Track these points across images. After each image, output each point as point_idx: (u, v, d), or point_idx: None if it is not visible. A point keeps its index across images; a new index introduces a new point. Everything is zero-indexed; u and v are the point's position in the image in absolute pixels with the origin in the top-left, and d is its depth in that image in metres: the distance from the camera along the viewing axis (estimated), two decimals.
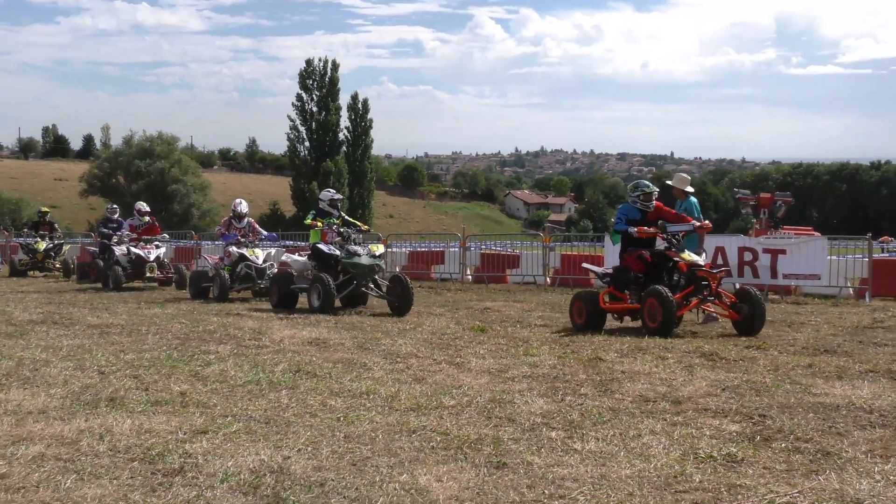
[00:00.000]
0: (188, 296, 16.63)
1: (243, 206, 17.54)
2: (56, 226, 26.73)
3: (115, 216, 22.63)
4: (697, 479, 4.73)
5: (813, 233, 21.13)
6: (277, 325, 11.17)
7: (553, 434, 5.69)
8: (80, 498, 4.33)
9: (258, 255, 16.38)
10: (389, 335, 10.36)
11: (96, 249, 22.42)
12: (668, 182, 13.32)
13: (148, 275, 19.04)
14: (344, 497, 4.42)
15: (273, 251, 17.90)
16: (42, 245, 24.71)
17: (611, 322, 11.64)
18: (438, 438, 5.55)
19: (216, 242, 29.67)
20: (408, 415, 6.22)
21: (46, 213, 27.17)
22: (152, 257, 19.14)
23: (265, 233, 17.87)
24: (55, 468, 4.81)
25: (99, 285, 19.34)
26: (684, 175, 13.63)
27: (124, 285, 18.52)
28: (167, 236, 21.95)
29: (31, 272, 24.60)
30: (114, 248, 19.79)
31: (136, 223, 20.31)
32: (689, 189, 12.90)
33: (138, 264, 19.03)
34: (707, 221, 12.07)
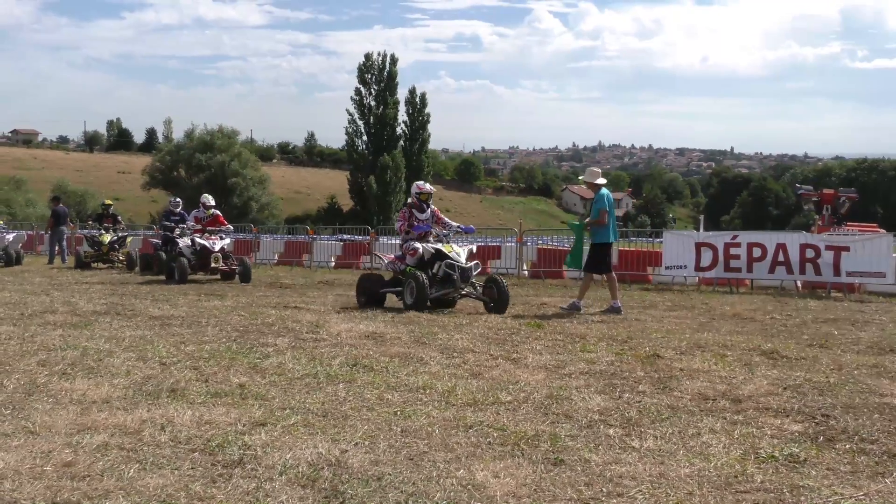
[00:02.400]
0: (250, 288, 16.91)
1: (427, 187, 14.04)
2: (119, 218, 26.80)
3: (178, 209, 22.68)
4: (759, 480, 4.65)
5: (878, 230, 20.64)
6: (335, 319, 11.24)
7: (611, 431, 5.65)
8: (142, 487, 4.40)
9: (459, 252, 13.18)
10: (446, 330, 10.36)
11: (158, 241, 22.46)
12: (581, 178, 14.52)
13: (213, 265, 18.74)
14: (401, 491, 4.43)
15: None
16: (107, 237, 24.83)
17: (660, 318, 11.53)
18: (495, 434, 5.54)
19: (275, 236, 29.98)
20: (464, 410, 6.22)
21: (110, 205, 27.08)
22: (217, 248, 18.87)
23: (456, 224, 13.89)
24: (118, 457, 4.89)
25: (162, 277, 19.31)
26: (595, 169, 14.08)
27: (188, 277, 18.38)
28: (232, 228, 21.44)
29: (96, 264, 24.60)
30: (177, 240, 19.68)
31: (202, 215, 20.00)
32: (601, 181, 13.49)
33: (203, 255, 18.78)
34: (599, 218, 13.19)
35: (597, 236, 13.36)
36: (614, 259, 20.17)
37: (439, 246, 13.19)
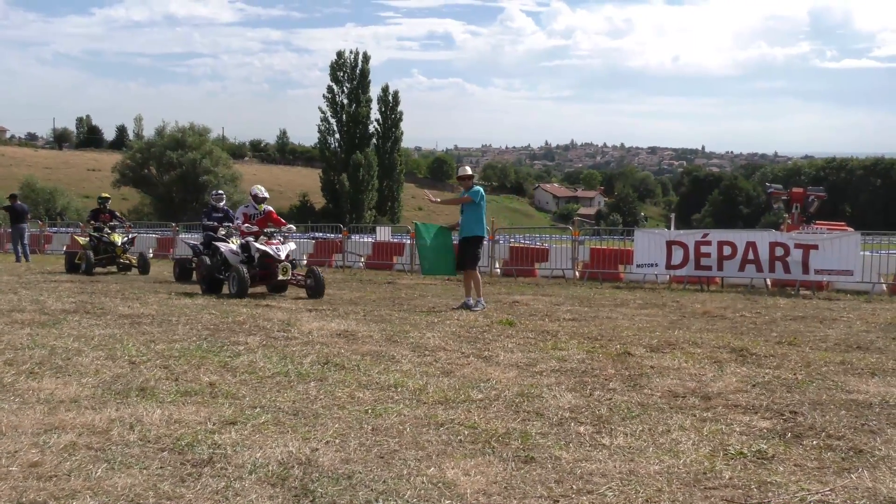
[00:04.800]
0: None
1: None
2: (118, 214, 23.15)
3: (222, 203, 19.48)
4: (727, 476, 4.69)
5: (846, 228, 20.90)
6: (306, 317, 11.21)
7: (581, 429, 5.67)
8: (110, 487, 4.36)
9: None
10: (418, 328, 10.36)
11: (197, 244, 19.28)
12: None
13: (280, 277, 14.85)
14: (371, 490, 4.42)
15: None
16: (118, 237, 21.16)
17: (631, 316, 11.58)
18: (466, 432, 5.55)
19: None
20: (436, 408, 6.22)
21: (107, 199, 22.92)
22: (283, 254, 14.90)
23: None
24: (86, 457, 4.85)
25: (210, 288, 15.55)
26: (465, 166, 14.87)
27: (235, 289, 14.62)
28: (294, 227, 16.62)
29: (105, 268, 21.17)
30: (221, 243, 16.54)
31: (251, 212, 16.37)
32: (467, 172, 13.88)
33: (266, 264, 14.97)
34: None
35: (468, 229, 13.40)
36: (586, 257, 20.35)
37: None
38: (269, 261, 14.85)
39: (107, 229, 21.31)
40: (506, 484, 4.56)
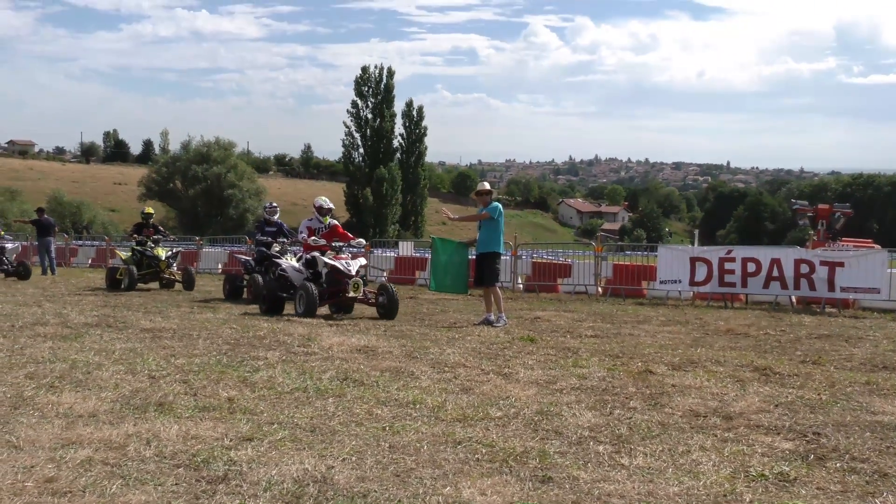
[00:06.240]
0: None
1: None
2: (161, 228, 22.39)
3: (276, 217, 18.51)
4: (748, 499, 4.61)
5: (873, 245, 20.65)
6: (327, 332, 11.19)
7: (600, 448, 5.60)
8: (123, 503, 4.35)
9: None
10: (438, 344, 10.32)
11: (249, 260, 18.34)
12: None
13: (351, 294, 13.84)
14: None
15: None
16: (162, 252, 20.47)
17: (654, 333, 11.49)
18: (484, 450, 5.50)
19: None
20: (454, 426, 6.17)
21: (151, 214, 22.24)
22: (354, 270, 13.99)
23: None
24: (102, 473, 4.84)
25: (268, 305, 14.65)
26: (484, 182, 15.09)
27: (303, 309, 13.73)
28: (363, 241, 15.57)
29: (148, 284, 20.70)
30: (276, 259, 16.36)
31: (316, 225, 15.52)
32: (486, 188, 13.94)
33: (336, 281, 14.06)
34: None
35: (485, 245, 13.34)
36: (609, 273, 20.24)
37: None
38: (339, 277, 13.94)
39: (150, 243, 20.55)
40: None
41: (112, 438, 5.55)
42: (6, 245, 24.85)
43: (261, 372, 8.13)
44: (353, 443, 5.61)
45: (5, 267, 24.04)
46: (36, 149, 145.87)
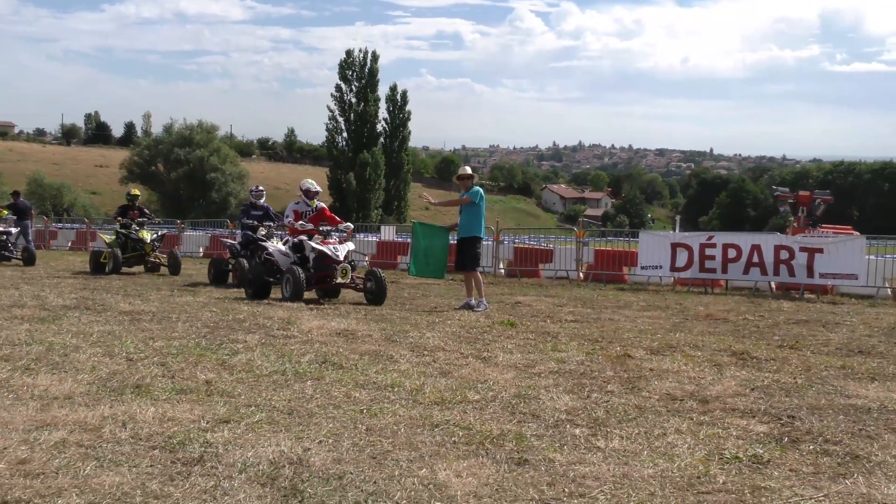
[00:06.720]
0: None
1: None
2: (146, 210, 21.53)
3: (261, 201, 18.24)
4: (721, 481, 4.64)
5: (852, 232, 20.78)
6: (307, 316, 11.18)
7: (577, 431, 5.62)
8: (97, 485, 4.33)
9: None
10: (418, 328, 10.33)
11: (234, 244, 18.23)
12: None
13: (339, 280, 13.76)
14: (361, 490, 4.38)
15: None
16: (147, 234, 19.88)
17: (633, 318, 11.53)
18: (460, 433, 5.51)
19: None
20: (431, 409, 6.18)
21: (137, 196, 21.44)
22: (342, 255, 13.79)
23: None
24: (76, 455, 4.82)
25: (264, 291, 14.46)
26: (466, 166, 15.06)
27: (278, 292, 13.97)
28: (351, 225, 15.67)
29: (133, 268, 20.04)
30: (262, 243, 16.28)
31: (303, 209, 15.40)
32: (467, 171, 13.89)
33: (323, 266, 13.85)
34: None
35: (466, 230, 13.36)
36: (591, 258, 20.30)
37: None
38: (326, 262, 13.74)
39: (135, 226, 19.96)
40: (497, 486, 4.51)
41: (87, 420, 5.52)
42: (11, 230, 23.82)
43: (239, 355, 8.11)
44: (331, 425, 5.61)
45: (7, 254, 23.08)
46: (16, 130, 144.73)
